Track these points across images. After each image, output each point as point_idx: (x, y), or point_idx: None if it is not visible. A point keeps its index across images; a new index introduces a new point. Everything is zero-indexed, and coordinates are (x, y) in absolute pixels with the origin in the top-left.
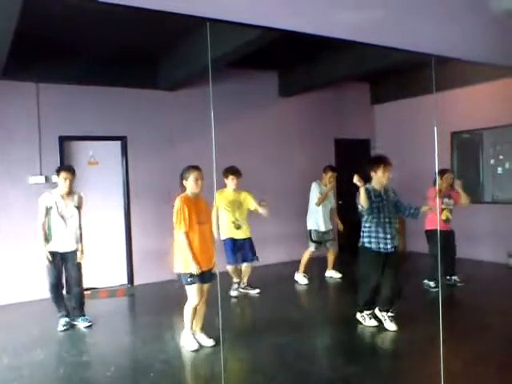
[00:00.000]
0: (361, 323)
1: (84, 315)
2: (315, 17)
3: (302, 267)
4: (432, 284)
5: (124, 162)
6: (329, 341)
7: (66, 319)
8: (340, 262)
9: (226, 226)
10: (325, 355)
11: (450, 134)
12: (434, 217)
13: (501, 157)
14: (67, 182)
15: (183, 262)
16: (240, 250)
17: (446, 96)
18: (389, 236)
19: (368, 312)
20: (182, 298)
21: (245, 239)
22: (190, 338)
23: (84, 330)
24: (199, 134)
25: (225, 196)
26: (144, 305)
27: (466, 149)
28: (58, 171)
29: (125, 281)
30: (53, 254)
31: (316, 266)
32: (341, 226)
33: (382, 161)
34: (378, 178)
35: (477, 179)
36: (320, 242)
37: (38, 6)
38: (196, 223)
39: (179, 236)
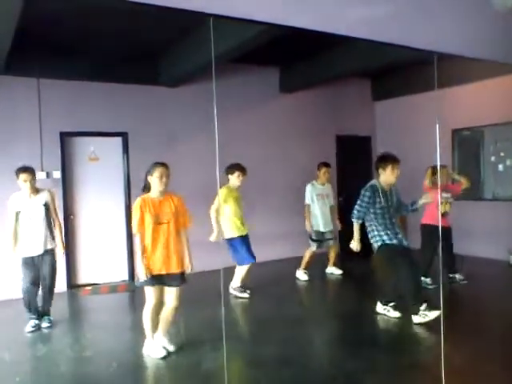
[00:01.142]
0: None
1: (48, 315)
2: (318, 13)
3: (303, 264)
4: (428, 281)
5: (125, 158)
6: (330, 334)
7: (36, 321)
8: (341, 260)
9: (235, 223)
10: (326, 348)
11: (451, 131)
12: (433, 210)
13: (502, 154)
14: (27, 183)
15: (137, 264)
16: (247, 248)
17: (447, 93)
18: (399, 234)
19: (392, 304)
20: (183, 293)
21: (247, 235)
22: (154, 345)
23: (45, 330)
24: (200, 130)
25: (232, 193)
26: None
27: (467, 146)
28: (17, 174)
29: (126, 277)
30: (24, 258)
31: (317, 263)
32: (339, 226)
33: (390, 159)
34: (387, 176)
35: (478, 176)
36: (321, 241)
37: (39, 2)
38: (155, 224)
39: (135, 238)
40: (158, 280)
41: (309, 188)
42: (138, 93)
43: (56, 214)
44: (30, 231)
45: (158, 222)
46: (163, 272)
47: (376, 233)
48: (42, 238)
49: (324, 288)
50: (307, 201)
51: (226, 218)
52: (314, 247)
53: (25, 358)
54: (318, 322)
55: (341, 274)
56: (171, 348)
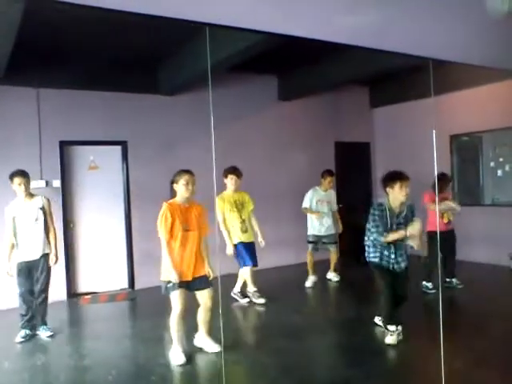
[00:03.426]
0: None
1: (46, 324)
2: (314, 22)
3: (310, 269)
4: (430, 285)
5: (124, 167)
6: (331, 341)
7: (27, 331)
8: (340, 266)
9: (234, 229)
10: (323, 356)
11: (449, 137)
12: (435, 218)
13: (501, 159)
14: (22, 186)
15: (164, 270)
16: (248, 253)
17: (445, 99)
18: (400, 259)
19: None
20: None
21: (250, 243)
22: (177, 352)
23: (45, 339)
24: (199, 139)
25: (227, 199)
26: (145, 309)
27: (466, 151)
28: (11, 177)
29: (125, 285)
30: (20, 263)
31: (319, 269)
32: (340, 228)
33: (397, 176)
34: (395, 195)
35: (477, 182)
36: (316, 243)
37: (38, 12)
38: (181, 230)
39: (162, 244)
40: (185, 286)
41: (310, 193)
42: (137, 101)
43: (52, 221)
44: (27, 235)
45: (185, 229)
46: (190, 278)
47: (367, 248)
48: (40, 242)
49: (323, 295)
50: (304, 204)
51: (227, 224)
52: (309, 248)
53: (23, 367)
54: (316, 330)
55: (337, 281)
56: (216, 348)
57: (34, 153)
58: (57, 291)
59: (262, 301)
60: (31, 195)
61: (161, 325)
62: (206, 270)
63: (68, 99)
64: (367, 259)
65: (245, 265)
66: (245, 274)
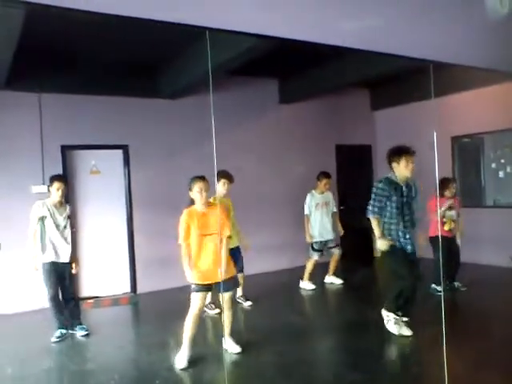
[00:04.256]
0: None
1: (81, 324)
2: (314, 25)
3: (306, 275)
4: (439, 288)
5: (126, 171)
6: (334, 346)
7: (62, 331)
8: (343, 269)
9: None
10: (325, 360)
11: (450, 139)
12: (437, 223)
13: (502, 161)
14: (60, 191)
15: (187, 273)
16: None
17: (446, 101)
18: (408, 236)
19: (394, 316)
20: (187, 306)
21: (235, 248)
22: (181, 354)
23: (81, 338)
24: (200, 142)
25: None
26: (147, 313)
27: (467, 153)
28: (51, 180)
29: (128, 289)
30: (49, 264)
31: (318, 272)
32: (341, 230)
33: (403, 151)
34: (400, 170)
35: (478, 183)
36: (322, 250)
37: (39, 18)
38: (200, 235)
39: (182, 247)
40: (206, 289)
41: (308, 198)
42: (138, 106)
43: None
44: (57, 239)
45: (203, 234)
46: (211, 281)
47: (386, 232)
48: (69, 247)
49: (325, 299)
50: (306, 211)
51: None
52: (315, 256)
53: (28, 371)
54: (318, 333)
55: (341, 284)
56: (237, 349)
57: (35, 157)
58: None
59: (249, 303)
60: (61, 202)
61: (163, 329)
62: (230, 271)
63: (69, 104)
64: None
65: None
66: None
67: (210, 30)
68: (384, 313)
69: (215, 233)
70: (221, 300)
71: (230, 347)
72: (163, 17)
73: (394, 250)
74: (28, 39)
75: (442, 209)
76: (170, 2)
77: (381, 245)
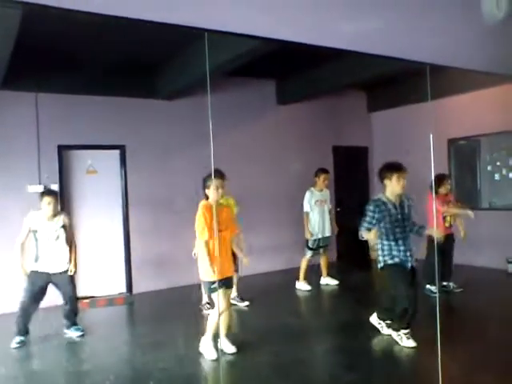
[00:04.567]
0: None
1: (76, 325)
2: (312, 28)
3: (302, 275)
4: (433, 289)
5: (123, 171)
6: (329, 346)
7: (22, 338)
8: (338, 270)
9: None
10: (325, 359)
11: (446, 141)
12: (437, 221)
13: (498, 163)
14: (51, 205)
15: (206, 270)
16: None
17: (443, 103)
18: (406, 252)
19: (387, 322)
20: (182, 306)
21: None
22: (210, 346)
23: (76, 339)
24: (198, 143)
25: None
26: (143, 313)
27: (463, 155)
28: (41, 195)
29: (123, 289)
30: (35, 273)
31: (313, 274)
32: (335, 229)
33: (395, 168)
34: (393, 187)
35: (474, 185)
36: (317, 249)
37: (37, 17)
38: (217, 230)
39: (200, 244)
40: (224, 284)
41: (308, 195)
42: (136, 106)
43: (72, 236)
44: (49, 250)
45: (219, 229)
46: (225, 276)
47: (380, 252)
48: (61, 258)
49: (321, 300)
50: (306, 208)
51: None
52: (309, 254)
53: (23, 371)
54: (314, 334)
55: (337, 285)
56: (232, 349)
57: (32, 157)
58: (55, 295)
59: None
60: (56, 214)
61: (158, 329)
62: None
63: (67, 104)
64: (379, 263)
65: None
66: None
67: (209, 31)
68: (375, 321)
69: (226, 229)
70: (218, 299)
71: (226, 348)
72: (162, 18)
73: (391, 267)
74: (25, 39)
75: (444, 208)
76: (169, 4)
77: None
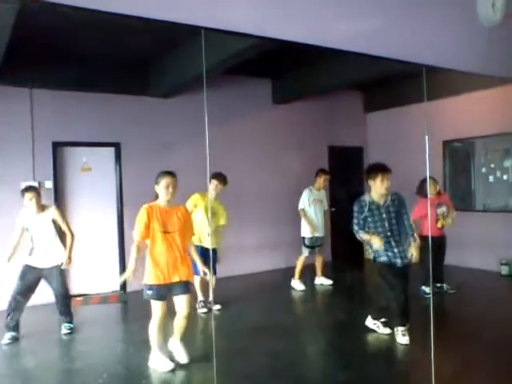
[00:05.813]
0: (372, 330)
1: (69, 322)
2: (307, 27)
3: (297, 274)
4: (428, 290)
5: (117, 169)
6: (323, 346)
7: (13, 333)
8: (333, 270)
9: (198, 232)
10: (318, 359)
11: (441, 143)
12: (427, 222)
13: (492, 165)
14: (33, 201)
15: (145, 273)
16: (207, 260)
17: (438, 105)
18: (396, 250)
19: (382, 320)
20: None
21: (213, 249)
22: (161, 358)
23: (64, 336)
24: (193, 141)
25: (204, 201)
26: (136, 311)
27: (458, 157)
28: (22, 193)
29: (117, 287)
30: (27, 266)
31: (308, 273)
32: (328, 229)
33: (379, 169)
34: (376, 187)
35: (468, 187)
36: (313, 247)
37: (32, 13)
38: (160, 232)
39: (133, 245)
40: (165, 291)
41: (306, 193)
42: (131, 103)
43: (67, 226)
44: (40, 245)
45: (165, 231)
46: (168, 281)
47: (368, 247)
48: (52, 252)
49: (316, 299)
50: (301, 206)
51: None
52: (306, 253)
53: (11, 370)
54: (307, 333)
55: (331, 285)
56: (185, 359)
57: (26, 154)
58: (48, 293)
59: (204, 310)
60: (43, 208)
61: None
62: (190, 274)
63: (61, 100)
64: (373, 259)
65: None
66: (195, 281)
67: (206, 29)
68: (371, 323)
69: (176, 232)
70: (176, 305)
71: (178, 356)
72: (158, 16)
73: (377, 264)
74: (20, 34)
75: (438, 210)
76: (166, 1)
77: (376, 244)
